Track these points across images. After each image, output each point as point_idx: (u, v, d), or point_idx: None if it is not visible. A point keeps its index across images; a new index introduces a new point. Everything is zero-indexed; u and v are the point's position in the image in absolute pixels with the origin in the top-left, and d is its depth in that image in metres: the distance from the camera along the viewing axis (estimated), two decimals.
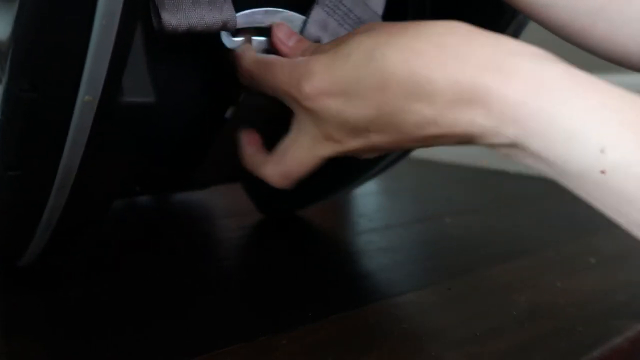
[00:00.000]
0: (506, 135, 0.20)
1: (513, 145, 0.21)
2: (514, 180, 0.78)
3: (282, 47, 0.29)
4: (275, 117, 0.30)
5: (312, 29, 0.31)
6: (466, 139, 0.23)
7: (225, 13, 0.28)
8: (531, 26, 0.34)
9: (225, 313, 0.34)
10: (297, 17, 0.32)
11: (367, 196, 0.69)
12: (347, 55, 0.24)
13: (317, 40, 0.31)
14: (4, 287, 0.37)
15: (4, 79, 0.22)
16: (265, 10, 0.31)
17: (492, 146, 0.22)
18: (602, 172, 0.18)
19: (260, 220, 0.57)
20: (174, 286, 0.38)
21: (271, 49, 0.31)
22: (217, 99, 0.35)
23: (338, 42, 0.27)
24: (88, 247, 0.45)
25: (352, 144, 0.26)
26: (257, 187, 0.61)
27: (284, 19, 0.31)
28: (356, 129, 0.25)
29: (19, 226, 0.31)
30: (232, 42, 0.30)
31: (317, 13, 0.31)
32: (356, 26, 0.32)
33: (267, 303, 0.36)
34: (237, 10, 0.30)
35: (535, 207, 0.64)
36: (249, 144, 0.31)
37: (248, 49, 0.30)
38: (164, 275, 0.40)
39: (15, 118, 0.23)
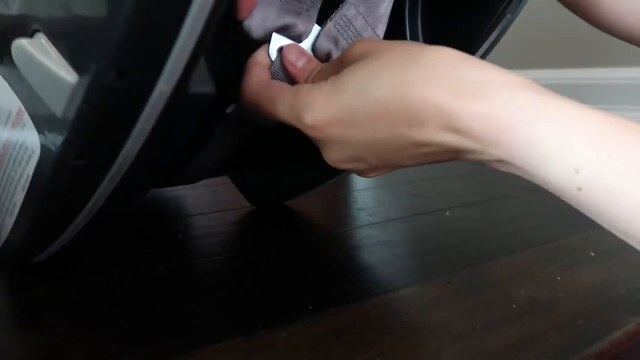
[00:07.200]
0: (491, 154, 0.22)
1: (500, 161, 0.23)
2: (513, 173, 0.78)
3: (290, 69, 0.31)
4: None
5: (324, 42, 0.32)
6: (457, 157, 0.25)
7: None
8: None
9: (226, 306, 0.34)
10: (315, 27, 0.33)
11: (366, 190, 0.69)
12: (344, 87, 0.25)
13: (328, 53, 0.33)
14: (15, 282, 0.37)
15: (91, 68, 0.22)
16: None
17: (481, 162, 0.24)
18: (579, 189, 0.20)
19: (258, 214, 0.57)
20: (172, 281, 0.38)
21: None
22: (223, 92, 0.35)
23: (338, 64, 0.28)
24: (85, 242, 0.45)
25: (348, 165, 0.28)
26: (244, 179, 0.61)
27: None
28: (355, 156, 0.27)
29: (61, 214, 0.30)
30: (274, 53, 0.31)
31: (329, 29, 0.32)
32: None
33: (267, 296, 0.36)
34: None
35: (535, 200, 0.64)
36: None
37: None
38: (161, 270, 0.40)
39: (99, 106, 0.22)
